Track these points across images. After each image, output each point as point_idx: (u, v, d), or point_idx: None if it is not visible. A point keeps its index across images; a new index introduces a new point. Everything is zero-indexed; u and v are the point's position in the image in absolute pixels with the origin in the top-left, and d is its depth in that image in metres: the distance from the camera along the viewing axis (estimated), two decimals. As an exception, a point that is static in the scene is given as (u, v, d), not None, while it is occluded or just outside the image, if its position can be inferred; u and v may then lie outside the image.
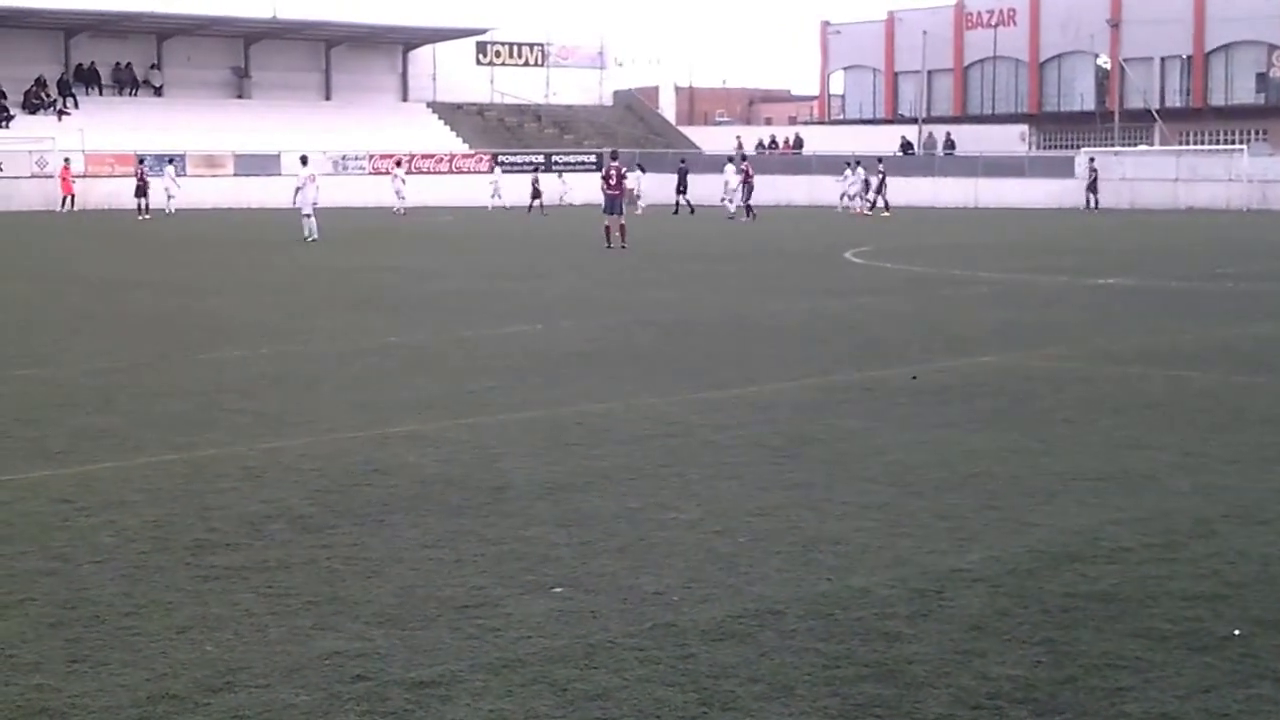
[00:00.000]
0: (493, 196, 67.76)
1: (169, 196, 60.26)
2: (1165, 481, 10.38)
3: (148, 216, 56.19)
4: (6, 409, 13.48)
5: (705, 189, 63.76)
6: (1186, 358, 17.26)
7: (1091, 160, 68.51)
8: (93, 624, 7.16)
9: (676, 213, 61.84)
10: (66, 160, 64.47)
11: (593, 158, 70.78)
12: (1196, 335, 19.49)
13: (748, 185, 56.73)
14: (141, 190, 58.07)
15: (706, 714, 6.03)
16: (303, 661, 6.63)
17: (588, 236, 41.63)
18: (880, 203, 62.27)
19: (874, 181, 62.96)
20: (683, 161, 68.70)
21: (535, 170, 70.84)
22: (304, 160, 44.57)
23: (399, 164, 67.44)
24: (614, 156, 41.93)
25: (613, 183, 39.64)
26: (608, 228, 38.79)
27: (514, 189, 68.34)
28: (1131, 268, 31.02)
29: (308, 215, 41.86)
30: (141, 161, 62.74)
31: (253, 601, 7.52)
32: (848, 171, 65.01)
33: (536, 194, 65.86)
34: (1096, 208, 65.11)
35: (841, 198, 65.18)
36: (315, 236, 41.23)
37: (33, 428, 12.51)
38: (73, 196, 62.48)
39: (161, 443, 11.78)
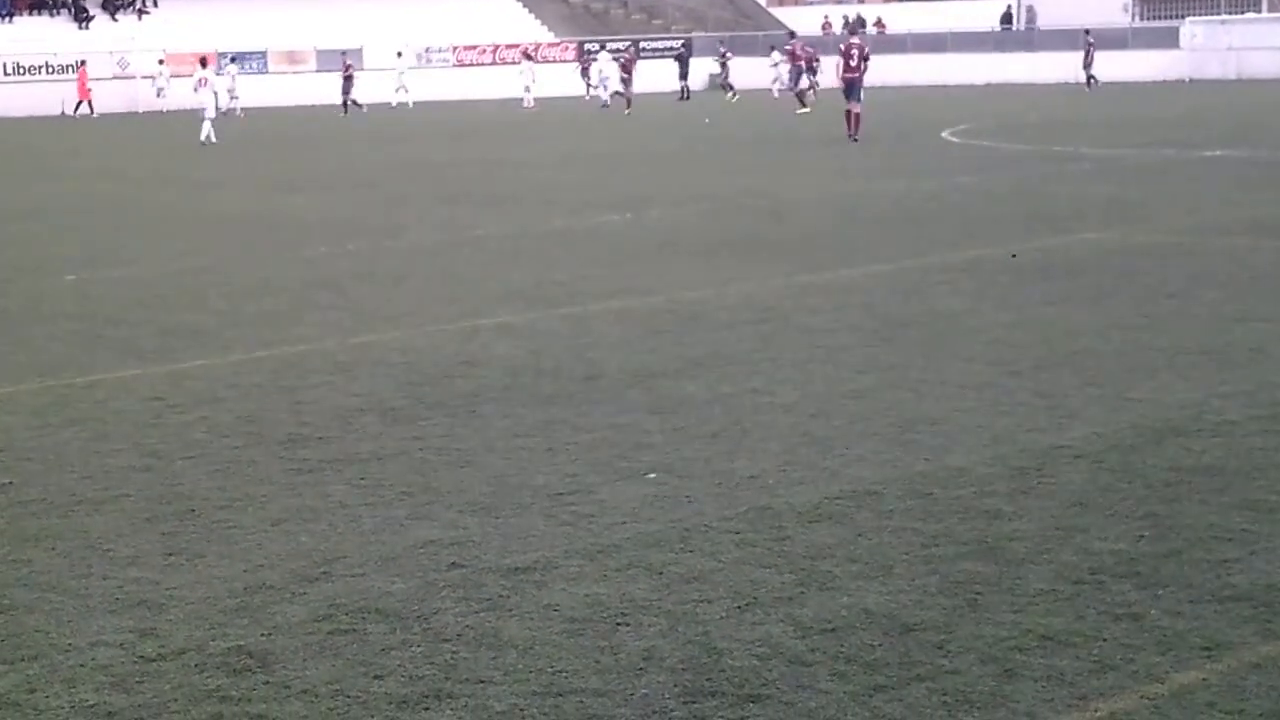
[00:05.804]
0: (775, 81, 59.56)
1: (232, 98, 57.93)
2: (1272, 354, 10.14)
3: (364, 109, 53.54)
4: (97, 309, 13.58)
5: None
6: (1293, 228, 16.85)
7: (1087, 33, 63.91)
8: (188, 518, 7.19)
9: (685, 98, 58.66)
10: (83, 63, 61.77)
11: (679, 43, 69.40)
12: (1303, 206, 19.01)
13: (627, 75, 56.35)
14: (347, 86, 54.74)
15: (804, 593, 5.95)
16: (398, 550, 6.61)
17: (664, 122, 41.16)
18: (807, 84, 53.71)
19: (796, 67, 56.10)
20: (683, 45, 67.07)
21: (721, 47, 64.61)
22: (203, 62, 44.15)
23: (594, 57, 65.41)
24: (852, 32, 35.76)
25: (852, 64, 32.97)
26: (849, 113, 32.91)
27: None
28: (1239, 140, 30.23)
29: (212, 117, 40.15)
30: (345, 53, 59.84)
31: (346, 493, 7.51)
32: (775, 54, 61.54)
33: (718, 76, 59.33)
34: (1092, 84, 57.74)
35: (774, 82, 60.11)
36: (212, 140, 39.07)
37: (123, 327, 12.60)
38: (90, 102, 59.41)
39: (251, 340, 11.82)
